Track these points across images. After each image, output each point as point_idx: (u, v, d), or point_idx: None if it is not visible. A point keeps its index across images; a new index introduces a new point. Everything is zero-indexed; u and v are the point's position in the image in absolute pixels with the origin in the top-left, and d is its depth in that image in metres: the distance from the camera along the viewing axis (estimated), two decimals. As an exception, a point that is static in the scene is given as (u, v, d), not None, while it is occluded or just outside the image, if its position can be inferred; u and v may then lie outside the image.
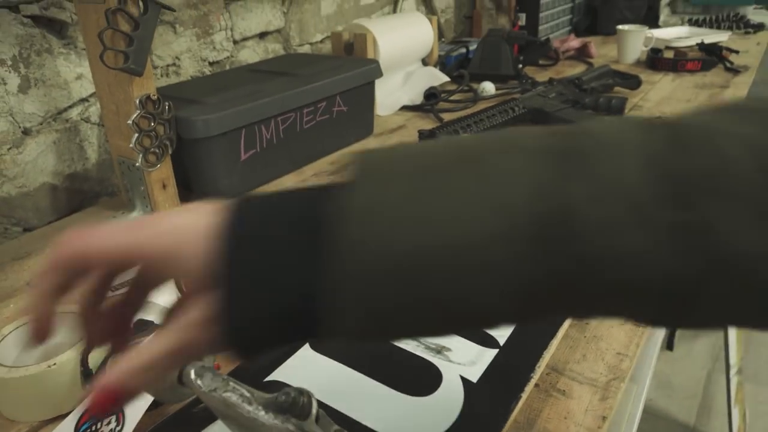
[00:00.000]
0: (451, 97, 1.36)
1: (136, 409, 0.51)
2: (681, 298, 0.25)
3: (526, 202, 0.25)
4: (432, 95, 1.34)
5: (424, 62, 1.50)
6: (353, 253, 0.25)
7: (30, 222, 0.90)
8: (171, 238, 0.28)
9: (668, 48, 1.73)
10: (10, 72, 0.84)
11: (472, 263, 0.24)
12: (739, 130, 0.26)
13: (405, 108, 1.32)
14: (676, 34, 1.89)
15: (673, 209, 0.24)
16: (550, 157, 0.26)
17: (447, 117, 1.22)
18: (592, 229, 0.24)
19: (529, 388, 0.51)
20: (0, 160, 0.85)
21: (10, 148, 0.86)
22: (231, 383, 0.41)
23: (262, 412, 0.39)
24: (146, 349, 0.28)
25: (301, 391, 0.42)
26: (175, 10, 0.88)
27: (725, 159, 0.24)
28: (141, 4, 0.76)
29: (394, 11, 1.65)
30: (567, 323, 0.63)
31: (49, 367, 0.51)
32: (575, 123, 0.28)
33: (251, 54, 1.21)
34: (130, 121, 0.77)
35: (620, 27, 1.69)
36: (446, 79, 1.44)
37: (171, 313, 0.33)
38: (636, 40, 1.68)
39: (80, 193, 0.96)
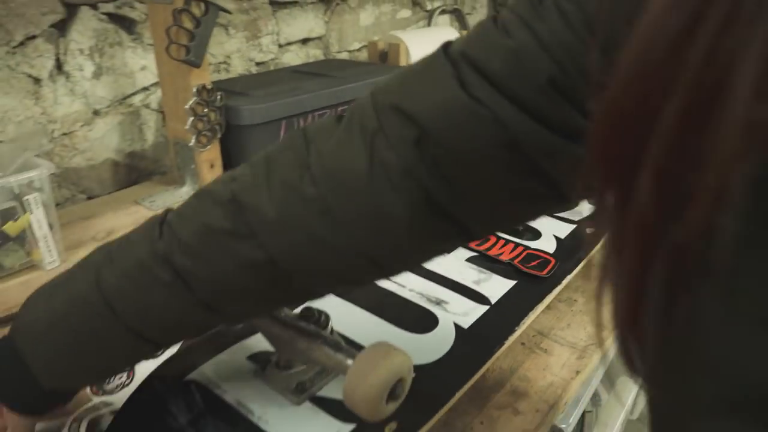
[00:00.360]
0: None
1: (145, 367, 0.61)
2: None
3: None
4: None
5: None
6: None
7: (93, 191, 1.02)
8: None
9: None
10: (87, 60, 0.97)
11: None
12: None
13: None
14: None
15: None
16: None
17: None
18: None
19: (513, 338, 0.60)
20: (73, 135, 0.98)
21: (82, 126, 0.98)
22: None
23: (292, 317, 0.49)
24: None
25: (321, 311, 0.52)
26: (231, 13, 1.00)
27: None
28: (203, 5, 0.88)
29: (428, 25, 1.76)
30: (555, 297, 0.71)
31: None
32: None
33: (294, 57, 1.33)
34: (187, 106, 0.89)
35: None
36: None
37: None
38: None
39: (137, 170, 1.08)
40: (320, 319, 0.50)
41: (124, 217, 0.92)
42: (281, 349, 0.50)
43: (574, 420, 0.84)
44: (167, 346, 0.49)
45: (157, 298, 0.41)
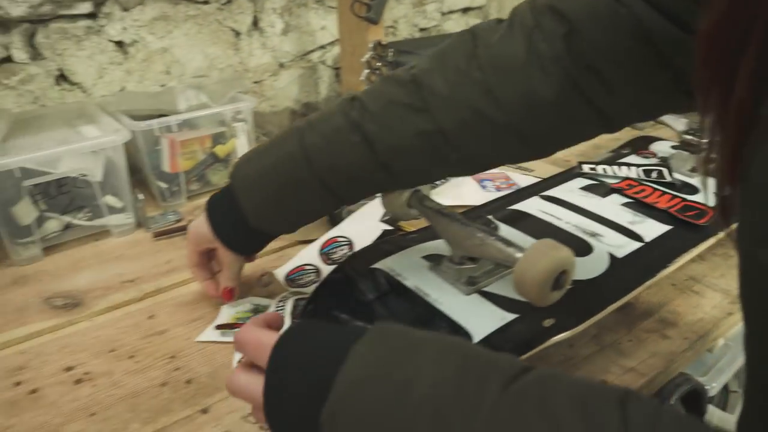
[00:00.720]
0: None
1: (364, 240, 0.71)
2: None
3: None
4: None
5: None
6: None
7: (272, 135, 1.17)
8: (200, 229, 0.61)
9: None
10: (278, 18, 1.11)
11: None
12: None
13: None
14: None
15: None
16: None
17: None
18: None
19: (665, 272, 0.63)
20: (262, 84, 1.12)
21: (270, 76, 1.13)
22: (442, 206, 0.59)
23: (469, 222, 0.56)
24: (223, 279, 0.63)
25: (492, 219, 0.59)
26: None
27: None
28: (385, -31, 0.97)
29: None
30: (710, 250, 0.72)
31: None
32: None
33: (454, 25, 1.40)
34: (363, 59, 0.99)
35: None
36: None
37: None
38: None
39: (310, 120, 1.22)
40: (491, 224, 0.57)
41: (302, 156, 1.05)
42: (457, 245, 0.57)
43: (720, 381, 0.85)
44: (347, 202, 0.58)
45: (346, 156, 0.51)
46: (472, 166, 0.53)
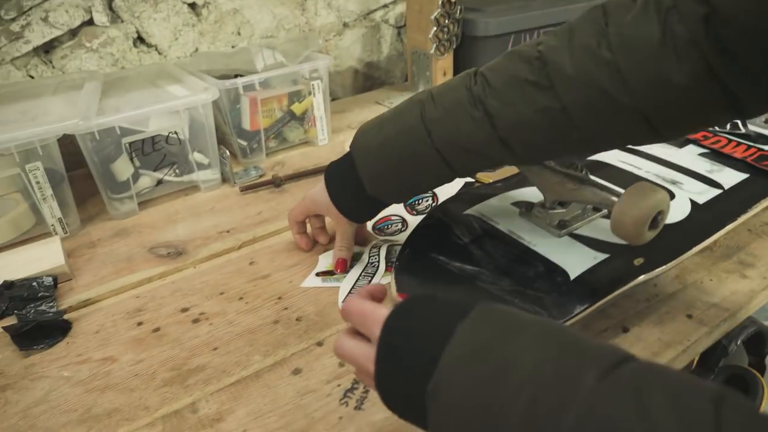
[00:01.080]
0: None
1: (447, 192, 0.74)
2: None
3: None
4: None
5: None
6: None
7: (336, 94, 1.20)
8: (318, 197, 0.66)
9: None
10: (342, -22, 1.13)
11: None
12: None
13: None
14: None
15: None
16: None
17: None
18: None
19: (744, 217, 0.65)
20: (328, 43, 1.15)
21: (334, 36, 1.15)
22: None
23: (562, 169, 0.59)
24: (338, 248, 0.67)
25: (582, 166, 0.62)
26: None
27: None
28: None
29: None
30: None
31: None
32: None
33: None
34: (432, 17, 1.01)
35: None
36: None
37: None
38: None
39: (371, 78, 1.24)
40: (583, 170, 0.60)
41: (368, 114, 1.08)
42: (550, 191, 0.60)
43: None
44: (461, 175, 0.58)
45: (466, 130, 0.53)
46: (592, 146, 0.53)
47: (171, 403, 0.52)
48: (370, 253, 0.69)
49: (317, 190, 0.65)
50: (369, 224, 0.73)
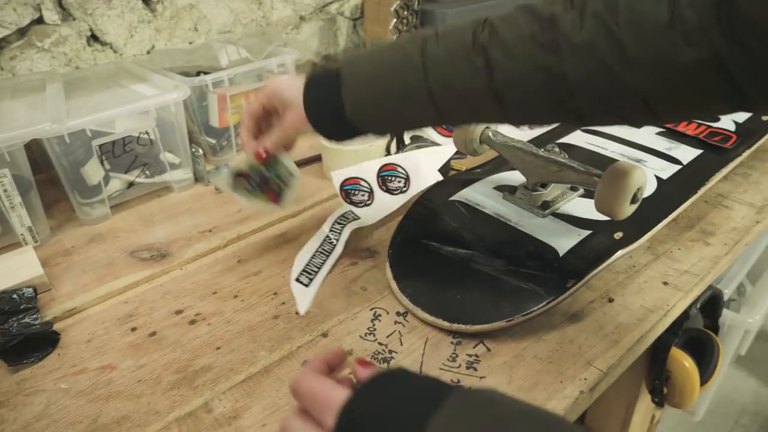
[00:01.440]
0: None
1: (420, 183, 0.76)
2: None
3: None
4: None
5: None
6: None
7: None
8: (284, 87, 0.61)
9: None
10: (296, -29, 1.13)
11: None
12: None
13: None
14: None
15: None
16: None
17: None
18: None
19: (703, 190, 0.71)
20: (287, 37, 1.14)
21: (292, 29, 1.15)
22: (514, 139, 0.65)
23: (541, 152, 0.62)
24: (271, 139, 0.63)
25: (562, 149, 0.65)
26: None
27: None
28: None
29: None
30: (732, 170, 0.81)
31: (369, 146, 0.79)
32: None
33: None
34: (392, 8, 1.02)
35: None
36: None
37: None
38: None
39: (329, 71, 1.25)
40: (562, 153, 0.63)
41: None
42: (532, 174, 0.64)
43: (733, 286, 0.95)
44: (446, 122, 0.57)
45: (463, 75, 0.51)
46: (586, 119, 0.51)
47: (182, 405, 0.52)
48: (331, 228, 0.69)
49: (286, 84, 0.60)
50: (337, 182, 0.72)
